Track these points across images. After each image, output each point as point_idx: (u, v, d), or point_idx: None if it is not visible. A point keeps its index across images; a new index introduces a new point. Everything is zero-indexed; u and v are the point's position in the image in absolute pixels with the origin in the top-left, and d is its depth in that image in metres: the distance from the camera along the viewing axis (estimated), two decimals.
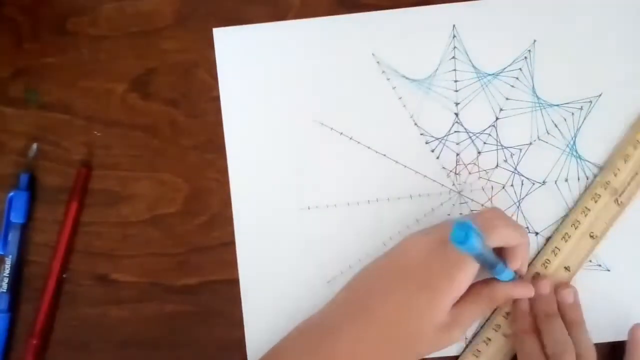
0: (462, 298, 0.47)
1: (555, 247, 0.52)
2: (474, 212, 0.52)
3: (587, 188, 0.53)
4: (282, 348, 0.49)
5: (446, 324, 0.46)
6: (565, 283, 0.52)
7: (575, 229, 0.52)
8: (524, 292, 0.49)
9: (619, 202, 0.52)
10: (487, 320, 0.52)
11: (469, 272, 0.46)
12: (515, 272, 0.49)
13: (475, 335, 0.52)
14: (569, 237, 0.52)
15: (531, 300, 0.51)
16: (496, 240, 0.46)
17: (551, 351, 0.48)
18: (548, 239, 0.53)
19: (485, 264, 0.45)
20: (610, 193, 0.52)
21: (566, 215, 0.53)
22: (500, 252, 0.48)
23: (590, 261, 0.52)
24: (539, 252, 0.53)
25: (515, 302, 0.51)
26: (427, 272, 0.46)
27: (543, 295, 0.50)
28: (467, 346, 0.52)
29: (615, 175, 0.52)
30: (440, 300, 0.46)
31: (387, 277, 0.48)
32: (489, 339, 0.52)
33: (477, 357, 0.52)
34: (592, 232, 0.52)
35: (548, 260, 0.52)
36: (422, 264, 0.47)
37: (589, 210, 0.52)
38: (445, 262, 0.46)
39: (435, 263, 0.46)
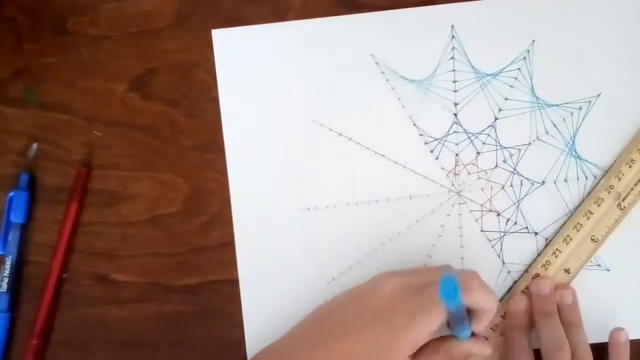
0: (420, 353, 0.46)
1: (557, 249, 0.52)
2: (449, 270, 0.50)
3: (590, 191, 0.53)
4: None
5: None
6: (565, 284, 0.52)
7: (577, 231, 0.52)
8: (483, 349, 0.48)
9: (622, 207, 0.52)
10: None
11: (435, 321, 0.45)
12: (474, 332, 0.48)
13: None
14: (571, 239, 0.52)
15: (530, 299, 0.51)
16: (470, 302, 0.45)
17: (547, 348, 0.49)
18: (547, 240, 0.53)
19: (455, 320, 0.45)
20: (613, 197, 0.52)
21: (568, 218, 0.53)
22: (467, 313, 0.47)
23: (590, 261, 0.52)
24: (539, 254, 0.53)
25: (512, 299, 0.51)
26: (394, 313, 0.46)
27: (543, 295, 0.51)
28: None
29: (619, 179, 0.52)
30: (401, 344, 0.45)
31: (353, 313, 0.47)
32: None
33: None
34: (593, 236, 0.52)
35: (548, 261, 0.52)
36: (391, 305, 0.46)
37: (591, 213, 0.52)
38: (414, 307, 0.45)
39: (403, 306, 0.46)
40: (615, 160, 0.53)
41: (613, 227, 0.52)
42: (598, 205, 0.52)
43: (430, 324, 0.45)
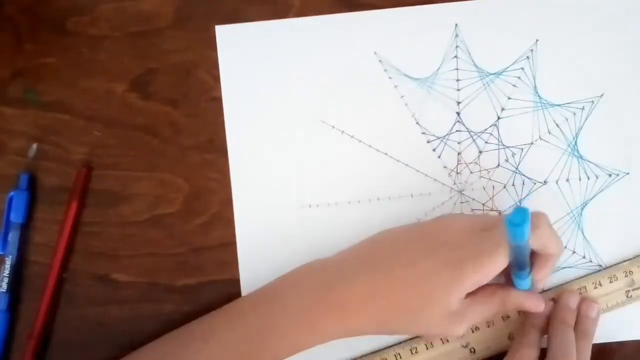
0: (476, 294, 0.47)
1: (552, 299, 0.51)
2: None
3: (611, 265, 0.52)
4: (291, 280, 0.50)
5: (454, 313, 0.46)
6: (591, 298, 0.51)
7: (580, 294, 0.51)
8: (536, 305, 0.48)
9: (629, 295, 0.51)
10: None
11: (499, 263, 0.45)
12: (534, 283, 0.48)
13: None
14: None
15: (553, 305, 0.51)
16: (538, 241, 0.45)
17: (555, 353, 0.48)
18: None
19: (517, 262, 0.44)
20: (626, 283, 0.51)
21: (577, 278, 0.52)
22: (530, 259, 0.46)
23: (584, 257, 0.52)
24: None
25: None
26: (460, 250, 0.46)
27: (569, 308, 0.50)
28: None
29: None
30: (462, 281, 0.45)
31: (418, 244, 0.48)
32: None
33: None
34: None
35: None
36: (457, 242, 0.46)
37: (600, 285, 0.51)
38: (479, 247, 0.45)
39: (469, 244, 0.46)
40: None
41: (612, 308, 0.51)
42: (610, 282, 0.51)
43: (495, 265, 0.45)
